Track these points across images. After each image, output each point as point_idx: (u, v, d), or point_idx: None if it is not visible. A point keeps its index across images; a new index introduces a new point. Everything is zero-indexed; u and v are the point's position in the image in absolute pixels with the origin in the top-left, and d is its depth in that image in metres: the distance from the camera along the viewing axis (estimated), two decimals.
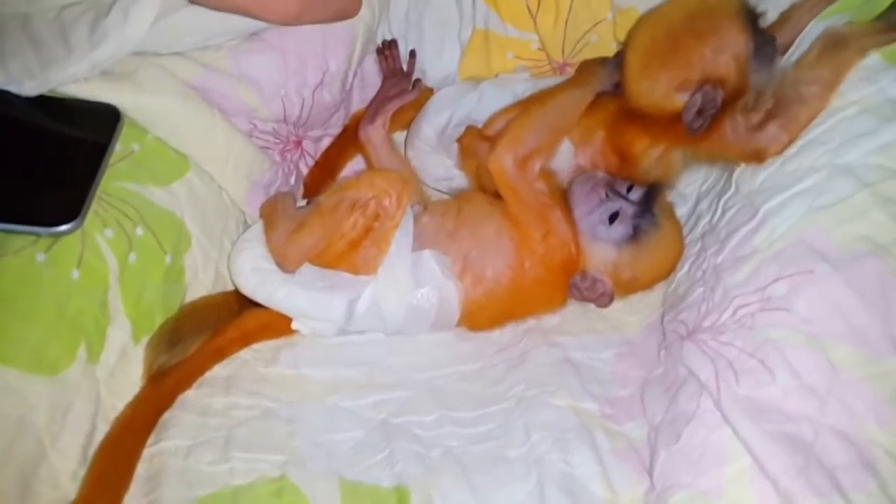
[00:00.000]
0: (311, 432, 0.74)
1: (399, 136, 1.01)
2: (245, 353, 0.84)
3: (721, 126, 0.74)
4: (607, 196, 0.81)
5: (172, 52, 0.83)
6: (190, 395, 0.77)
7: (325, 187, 0.98)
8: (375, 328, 0.86)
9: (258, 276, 0.82)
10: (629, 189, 0.82)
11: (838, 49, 0.70)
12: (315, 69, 0.90)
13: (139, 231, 0.76)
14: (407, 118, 0.97)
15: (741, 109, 0.74)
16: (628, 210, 0.81)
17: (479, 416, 0.76)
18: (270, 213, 0.86)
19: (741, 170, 0.77)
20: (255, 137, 0.91)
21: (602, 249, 0.82)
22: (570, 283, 0.83)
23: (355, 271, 0.82)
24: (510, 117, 0.86)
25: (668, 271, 0.84)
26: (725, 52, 0.74)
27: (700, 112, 0.75)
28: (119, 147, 0.78)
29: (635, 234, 0.80)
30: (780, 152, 0.71)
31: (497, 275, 0.83)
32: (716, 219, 0.79)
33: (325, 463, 0.70)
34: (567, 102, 0.84)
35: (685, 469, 0.60)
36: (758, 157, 0.73)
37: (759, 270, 0.66)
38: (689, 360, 0.65)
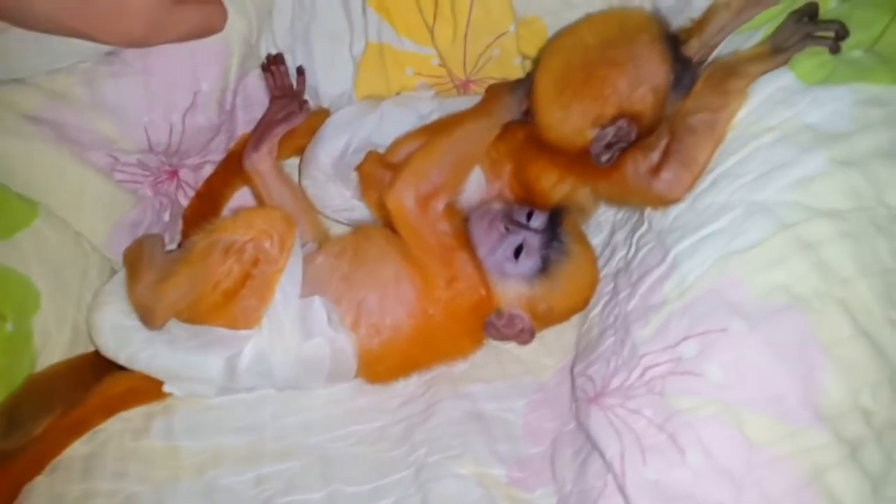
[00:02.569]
0: None
1: (294, 160, 0.91)
2: (113, 424, 0.74)
3: (623, 165, 0.67)
4: (507, 229, 0.74)
5: (11, 78, 0.72)
6: (41, 483, 0.68)
7: (209, 222, 0.88)
8: (264, 384, 0.76)
9: (119, 335, 0.72)
10: (529, 215, 0.74)
11: (723, 77, 0.64)
12: (184, 91, 0.79)
13: None
14: (300, 143, 0.88)
15: (642, 149, 0.67)
16: (533, 241, 0.74)
17: (374, 489, 0.68)
18: (134, 260, 0.76)
19: None
20: (119, 171, 0.80)
21: (513, 286, 0.75)
22: (487, 323, 0.75)
23: (234, 325, 0.73)
24: (414, 145, 0.78)
25: (585, 301, 0.77)
26: (644, 85, 0.67)
27: (609, 146, 0.68)
28: None
29: (545, 266, 0.73)
30: (683, 195, 0.64)
31: (396, 324, 0.74)
32: (630, 255, 0.71)
33: None
34: (473, 134, 0.76)
35: None
36: (661, 202, 0.66)
37: (668, 325, 0.58)
38: (595, 430, 0.58)
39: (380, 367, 0.76)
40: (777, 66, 0.62)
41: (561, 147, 0.71)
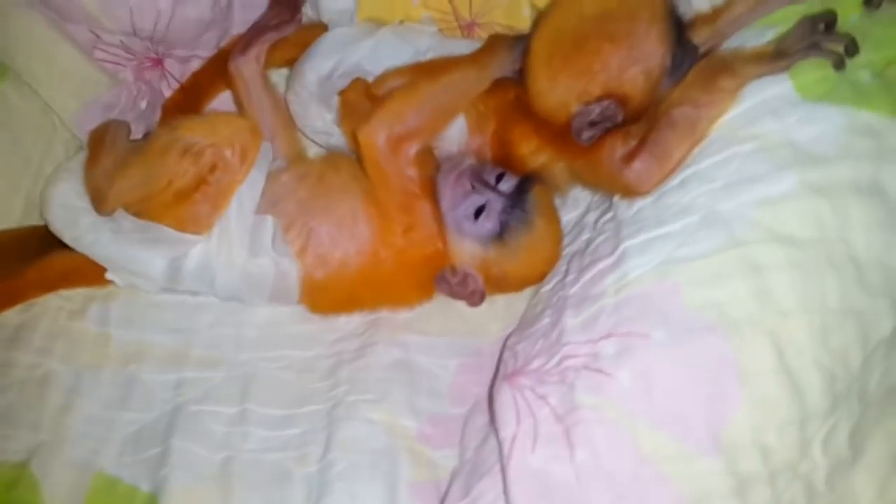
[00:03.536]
0: (91, 407, 0.67)
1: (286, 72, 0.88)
2: (51, 299, 0.75)
3: (601, 147, 0.64)
4: (473, 187, 0.71)
5: None
6: None
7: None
8: (207, 291, 0.76)
9: (67, 214, 0.72)
10: (500, 178, 0.72)
11: (715, 73, 0.59)
12: None
13: None
14: (291, 55, 0.85)
15: (623, 135, 0.64)
16: (496, 204, 0.71)
17: (287, 416, 0.68)
18: (96, 142, 0.75)
19: None
20: (100, 50, 0.78)
21: (469, 245, 0.73)
22: (439, 277, 0.74)
23: (182, 228, 0.72)
24: (401, 81, 0.75)
25: (540, 275, 0.75)
26: (637, 66, 0.63)
27: (592, 124, 0.64)
28: None
29: (502, 231, 0.71)
30: (651, 189, 0.61)
31: (344, 259, 0.73)
32: (592, 238, 0.69)
33: (89, 449, 0.63)
34: (460, 84, 0.73)
35: None
36: (628, 192, 0.63)
37: (598, 319, 0.56)
38: (498, 407, 0.56)
39: (322, 298, 0.76)
40: (776, 72, 0.58)
41: (545, 117, 0.68)
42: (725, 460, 0.49)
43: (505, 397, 0.57)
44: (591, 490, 0.49)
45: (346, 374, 0.72)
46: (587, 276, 0.62)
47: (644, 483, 0.49)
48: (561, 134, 0.67)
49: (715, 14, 0.69)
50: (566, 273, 0.68)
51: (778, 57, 0.58)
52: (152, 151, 0.71)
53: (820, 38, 0.57)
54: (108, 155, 0.73)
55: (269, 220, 0.73)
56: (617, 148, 0.63)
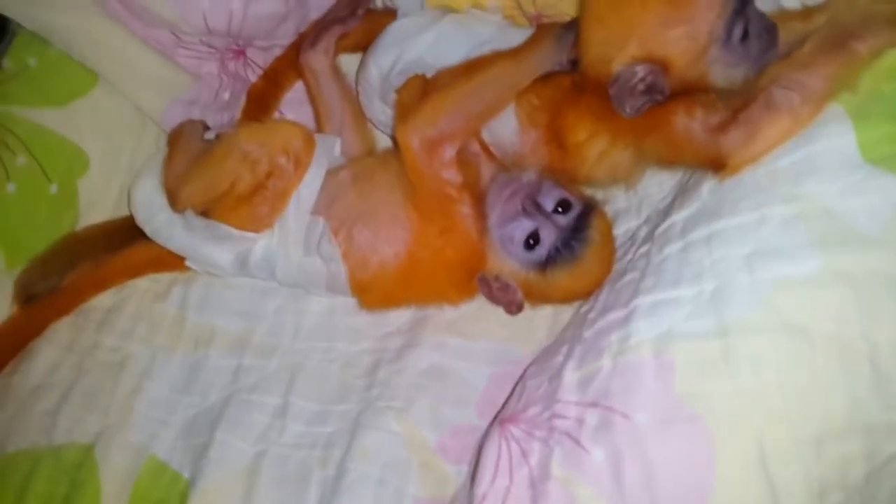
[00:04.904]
0: (159, 390, 0.75)
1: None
2: (142, 282, 0.83)
3: (670, 120, 0.59)
4: (524, 209, 0.69)
5: None
6: (65, 324, 0.79)
7: (270, 103, 0.91)
8: (273, 281, 0.82)
9: (147, 210, 0.79)
10: (560, 206, 0.69)
11: (840, 45, 0.52)
12: None
13: (21, 160, 0.74)
14: (362, 42, 0.85)
15: (702, 104, 0.58)
16: (548, 234, 0.69)
17: (322, 412, 0.73)
18: (173, 143, 0.81)
19: (666, 226, 0.61)
20: (182, 48, 0.83)
21: (510, 263, 0.71)
22: (481, 280, 0.74)
23: (245, 227, 0.77)
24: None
25: (588, 293, 0.71)
26: (678, 29, 0.58)
27: (632, 91, 0.59)
28: (9, 63, 0.74)
29: (545, 262, 0.69)
30: (740, 165, 0.56)
31: (382, 261, 0.75)
32: (625, 270, 0.65)
33: (149, 433, 0.71)
34: (497, 81, 0.70)
35: None
36: (717, 163, 0.58)
37: (593, 380, 0.54)
38: (483, 455, 0.57)
39: (367, 297, 0.78)
40: None
41: (591, 74, 0.63)
42: None
43: (492, 445, 0.57)
44: None
45: (383, 375, 0.74)
46: (602, 322, 0.59)
47: None
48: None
49: (806, 13, 0.60)
50: (595, 302, 0.65)
51: None
52: (215, 157, 0.75)
53: None
54: (180, 156, 0.79)
55: (320, 223, 0.76)
56: (696, 119, 0.58)
